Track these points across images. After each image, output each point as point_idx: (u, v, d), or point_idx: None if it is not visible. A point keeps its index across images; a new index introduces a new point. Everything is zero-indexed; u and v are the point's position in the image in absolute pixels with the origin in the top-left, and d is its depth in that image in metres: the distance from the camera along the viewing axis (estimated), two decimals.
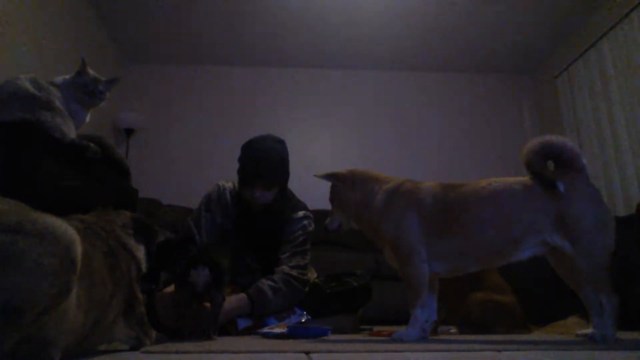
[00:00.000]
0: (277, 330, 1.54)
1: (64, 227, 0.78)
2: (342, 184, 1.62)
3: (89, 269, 0.91)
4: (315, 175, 1.67)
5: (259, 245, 2.01)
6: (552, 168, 1.47)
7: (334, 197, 1.66)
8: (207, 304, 1.50)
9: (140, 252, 1.20)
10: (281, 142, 2.02)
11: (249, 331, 1.74)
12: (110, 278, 1.00)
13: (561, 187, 1.37)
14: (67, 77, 1.70)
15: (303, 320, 1.83)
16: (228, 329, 1.74)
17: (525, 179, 1.47)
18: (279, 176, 1.95)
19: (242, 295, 1.77)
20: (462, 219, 1.44)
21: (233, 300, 1.72)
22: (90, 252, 0.94)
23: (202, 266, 1.41)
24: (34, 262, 0.69)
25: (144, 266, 1.19)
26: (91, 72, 1.74)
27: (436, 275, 1.54)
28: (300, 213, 2.04)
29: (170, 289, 1.59)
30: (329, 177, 1.64)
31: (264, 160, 1.90)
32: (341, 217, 1.66)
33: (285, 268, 1.89)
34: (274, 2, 3.64)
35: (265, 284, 1.81)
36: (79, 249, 0.79)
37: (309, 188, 3.83)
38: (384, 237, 1.51)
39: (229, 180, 2.10)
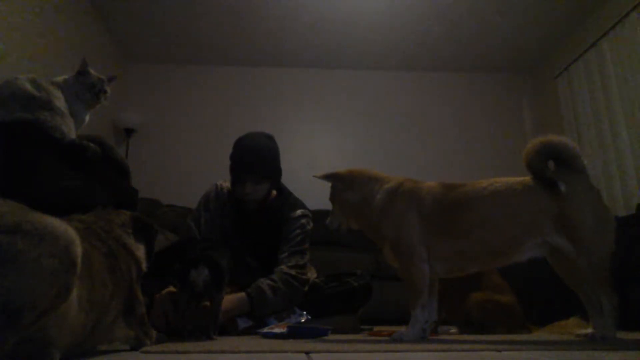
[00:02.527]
0: (277, 330, 1.54)
1: (64, 228, 0.78)
2: (341, 184, 1.62)
3: (89, 270, 0.91)
4: (314, 176, 1.67)
5: (258, 244, 2.01)
6: (553, 168, 1.47)
7: (334, 196, 1.66)
8: (207, 304, 1.50)
9: (140, 251, 1.19)
10: (269, 137, 2.03)
11: (249, 331, 1.74)
12: (111, 278, 1.00)
13: (562, 187, 1.37)
14: (68, 76, 1.70)
15: (303, 320, 1.83)
16: (228, 329, 1.74)
17: (526, 179, 1.47)
18: (269, 170, 1.95)
19: (242, 295, 1.77)
20: (463, 219, 1.44)
21: (233, 300, 1.72)
22: (90, 253, 0.94)
23: (202, 266, 1.41)
24: (33, 262, 0.69)
25: (144, 265, 1.19)
26: (93, 71, 1.74)
27: (436, 276, 1.54)
28: (298, 212, 2.04)
29: (169, 289, 1.59)
30: (328, 177, 1.64)
31: (252, 155, 1.91)
32: (341, 216, 1.65)
33: (283, 268, 1.89)
34: (274, 2, 3.64)
35: (264, 283, 1.82)
36: (78, 249, 0.79)
37: (309, 188, 3.82)
38: (385, 236, 1.51)
39: (227, 180, 2.11)
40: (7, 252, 0.68)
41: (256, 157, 1.91)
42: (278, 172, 2.03)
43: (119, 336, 1.07)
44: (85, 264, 0.87)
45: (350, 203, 1.60)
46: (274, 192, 2.13)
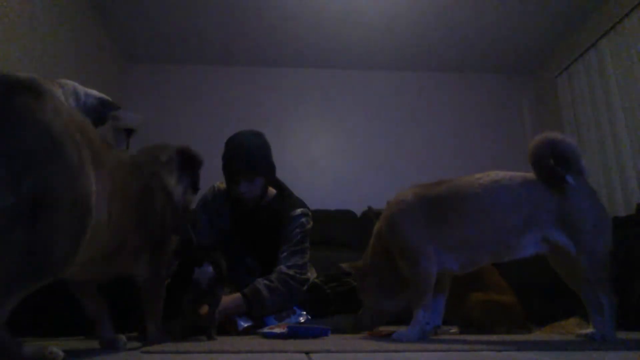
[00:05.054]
0: (277, 330, 1.54)
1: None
2: (366, 271, 1.61)
3: (125, 195, 1.00)
4: (342, 265, 1.66)
5: (258, 244, 2.01)
6: None
7: (364, 287, 1.64)
8: (205, 306, 1.50)
9: (178, 193, 1.29)
10: (257, 134, 2.04)
11: (249, 331, 1.74)
12: (141, 209, 1.09)
13: (570, 179, 1.37)
14: (89, 94, 1.73)
15: (303, 320, 1.83)
16: (228, 329, 1.74)
17: (527, 174, 1.47)
18: (260, 166, 1.95)
19: (238, 295, 1.77)
20: (465, 208, 1.45)
21: (229, 300, 1.73)
22: (129, 181, 1.04)
23: (206, 265, 1.42)
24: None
25: (180, 204, 1.30)
26: (117, 113, 1.80)
27: (448, 276, 1.54)
28: (298, 210, 2.04)
29: None
30: (354, 269, 1.65)
31: (242, 153, 1.91)
32: (372, 306, 1.62)
33: (282, 268, 1.89)
34: (274, 2, 3.64)
35: (261, 283, 1.82)
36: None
37: (310, 188, 3.82)
38: (396, 253, 1.52)
39: (224, 181, 2.11)
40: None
41: (245, 155, 1.91)
42: (270, 167, 2.03)
43: (140, 270, 1.17)
44: (122, 189, 0.99)
45: (383, 277, 1.58)
46: (273, 191, 2.13)
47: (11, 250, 0.69)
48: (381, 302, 1.60)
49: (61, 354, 0.78)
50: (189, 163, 1.34)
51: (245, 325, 1.76)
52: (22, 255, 0.70)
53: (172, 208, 1.23)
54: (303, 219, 2.03)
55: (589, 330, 1.41)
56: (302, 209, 2.06)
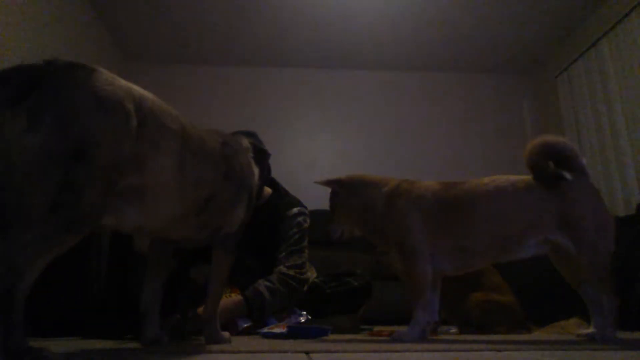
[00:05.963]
0: (277, 330, 1.54)
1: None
2: (343, 190, 1.61)
3: (203, 150, 1.14)
4: (316, 182, 1.65)
5: (255, 244, 2.01)
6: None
7: (335, 204, 1.64)
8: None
9: (257, 174, 1.42)
10: (251, 134, 2.03)
11: (249, 331, 1.74)
12: (228, 166, 1.21)
13: (567, 176, 1.37)
14: None
15: (303, 320, 1.83)
16: (228, 329, 1.74)
17: (528, 177, 1.47)
18: None
19: (240, 298, 1.77)
20: (467, 215, 1.44)
21: (229, 303, 1.72)
22: (205, 138, 1.17)
23: (200, 263, 1.42)
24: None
25: (255, 184, 1.41)
26: None
27: (439, 275, 1.54)
28: (295, 210, 2.04)
29: None
30: (330, 183, 1.62)
31: None
32: (343, 225, 1.63)
33: (282, 268, 1.89)
34: (274, 2, 3.64)
35: (262, 285, 1.81)
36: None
37: (309, 188, 3.80)
38: (390, 239, 1.51)
39: None
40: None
41: None
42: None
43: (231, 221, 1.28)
44: (200, 145, 1.13)
45: (354, 209, 1.58)
46: (269, 190, 2.13)
47: (45, 189, 0.76)
48: (351, 227, 1.62)
49: (53, 355, 0.77)
50: (259, 154, 1.47)
51: (245, 325, 1.76)
52: (53, 194, 0.77)
53: (255, 183, 1.35)
54: (300, 218, 2.03)
55: (589, 330, 1.41)
56: (299, 208, 2.06)
